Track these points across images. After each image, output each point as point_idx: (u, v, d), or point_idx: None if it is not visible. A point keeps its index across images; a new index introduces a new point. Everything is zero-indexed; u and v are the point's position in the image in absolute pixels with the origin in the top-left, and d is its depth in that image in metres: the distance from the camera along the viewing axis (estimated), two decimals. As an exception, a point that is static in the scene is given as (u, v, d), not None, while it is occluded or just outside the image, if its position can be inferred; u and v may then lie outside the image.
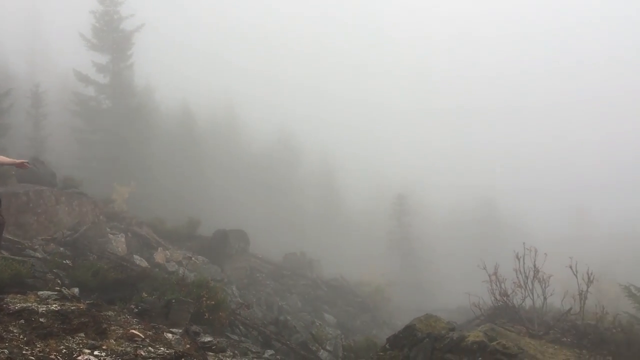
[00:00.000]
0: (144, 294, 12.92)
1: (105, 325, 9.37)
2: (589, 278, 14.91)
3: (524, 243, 15.62)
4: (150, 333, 10.07)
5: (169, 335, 10.32)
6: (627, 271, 24.45)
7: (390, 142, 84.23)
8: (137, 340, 9.14)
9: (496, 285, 15.61)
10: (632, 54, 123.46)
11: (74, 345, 8.04)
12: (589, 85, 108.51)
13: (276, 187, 51.90)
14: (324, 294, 29.15)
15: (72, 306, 10.17)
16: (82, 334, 8.64)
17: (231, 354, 11.30)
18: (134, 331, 9.56)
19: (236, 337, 14.77)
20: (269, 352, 13.64)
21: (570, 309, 14.97)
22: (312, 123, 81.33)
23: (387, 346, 11.61)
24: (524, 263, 15.51)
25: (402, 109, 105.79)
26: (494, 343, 10.94)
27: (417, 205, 51.08)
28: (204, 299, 13.67)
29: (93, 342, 8.33)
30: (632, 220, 47.38)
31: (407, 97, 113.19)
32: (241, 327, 15.90)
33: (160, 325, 11.04)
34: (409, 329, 11.46)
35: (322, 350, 16.40)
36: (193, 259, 23.46)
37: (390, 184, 56.53)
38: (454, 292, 19.08)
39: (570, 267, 14.89)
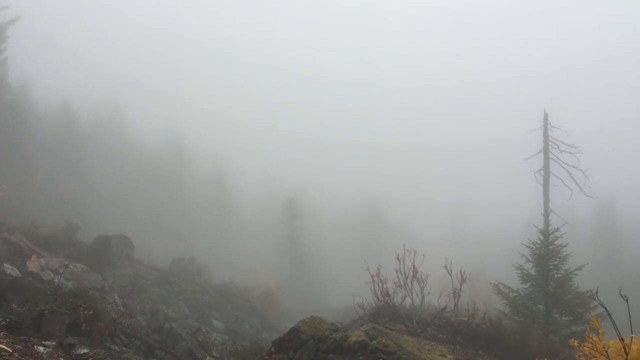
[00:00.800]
0: (14, 305, 12.09)
1: (-35, 341, 8.63)
2: (462, 277, 15.98)
3: (403, 245, 16.42)
4: (20, 347, 9.44)
5: (41, 349, 9.71)
6: (498, 272, 26.40)
7: (283, 142, 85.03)
8: (3, 355, 8.53)
9: (378, 285, 16.26)
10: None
11: None
12: (467, 94, 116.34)
13: (165, 190, 50.29)
14: (213, 299, 28.70)
15: None
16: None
17: (110, 365, 10.84)
18: (1, 345, 8.91)
19: (117, 348, 14.15)
20: (151, 362, 13.23)
21: (446, 306, 15.94)
22: (204, 123, 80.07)
23: (272, 349, 11.68)
24: (404, 264, 16.31)
25: (297, 108, 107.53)
26: (375, 342, 11.37)
27: (306, 208, 51.87)
28: (81, 309, 12.99)
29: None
30: (504, 227, 51.23)
31: (301, 97, 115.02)
32: (122, 337, 15.25)
33: (31, 338, 10.36)
34: (294, 332, 11.61)
35: (208, 357, 16.17)
36: (71, 266, 22.07)
37: (282, 185, 56.96)
38: (342, 293, 19.61)
39: (446, 267, 15.89)
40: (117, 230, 29.05)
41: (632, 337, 6.11)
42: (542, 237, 17.54)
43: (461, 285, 15.71)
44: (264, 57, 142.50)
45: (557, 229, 17.68)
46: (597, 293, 6.86)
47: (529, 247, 17.71)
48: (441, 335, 14.98)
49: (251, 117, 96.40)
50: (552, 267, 17.09)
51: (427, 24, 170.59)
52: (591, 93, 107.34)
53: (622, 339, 6.09)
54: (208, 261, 35.64)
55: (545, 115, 20.41)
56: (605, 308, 6.81)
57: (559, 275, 17.03)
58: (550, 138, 20.32)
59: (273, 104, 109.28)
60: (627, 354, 6.00)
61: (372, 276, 16.48)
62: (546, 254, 17.19)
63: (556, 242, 17.34)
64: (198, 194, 53.53)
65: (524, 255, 17.82)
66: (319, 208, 56.73)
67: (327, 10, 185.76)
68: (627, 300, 6.25)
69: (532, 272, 17.45)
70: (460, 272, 15.84)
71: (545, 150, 20.34)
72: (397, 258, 16.30)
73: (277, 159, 74.58)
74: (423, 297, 16.19)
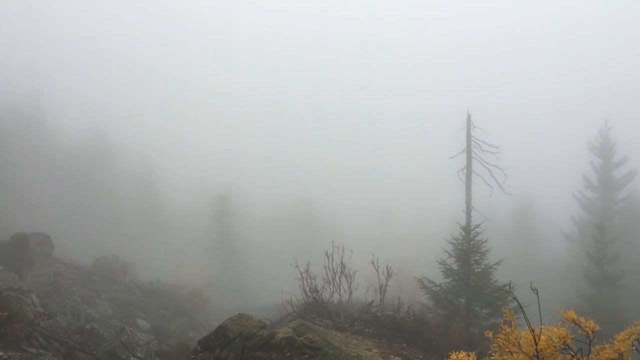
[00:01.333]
0: None
1: None
2: (388, 273, 16.39)
3: (332, 241, 16.63)
4: None
5: (-54, 355, 9.11)
6: (423, 267, 27.18)
7: (212, 141, 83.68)
8: None
9: (307, 282, 16.41)
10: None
11: None
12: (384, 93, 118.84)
13: (89, 187, 48.24)
14: (138, 298, 27.94)
15: None
16: None
17: (25, 369, 10.33)
18: None
19: (34, 350, 13.53)
20: (71, 364, 12.73)
21: (372, 301, 16.29)
22: (131, 120, 77.55)
23: (198, 348, 11.53)
24: (332, 260, 16.54)
25: (229, 102, 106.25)
26: (302, 338, 11.46)
27: (237, 205, 51.34)
28: (-6, 310, 12.32)
29: None
30: (429, 223, 52.73)
31: (236, 91, 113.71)
32: (40, 338, 14.59)
33: (-64, 344, 9.72)
34: (221, 330, 11.51)
35: (132, 358, 15.73)
36: (-16, 266, 20.87)
37: (213, 182, 56.06)
38: (272, 291, 19.60)
39: (372, 263, 16.24)
40: (37, 228, 27.69)
41: (541, 328, 6.46)
42: (464, 233, 18.19)
43: (387, 281, 16.11)
44: (182, 48, 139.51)
45: (477, 225, 18.41)
46: (510, 287, 7.22)
47: (451, 242, 18.33)
48: (368, 330, 15.30)
49: (180, 112, 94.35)
50: (473, 262, 17.78)
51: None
52: (514, 94, 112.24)
53: (532, 330, 6.44)
54: (134, 260, 34.66)
55: (469, 116, 21.18)
56: (517, 301, 7.18)
57: (479, 269, 17.74)
58: (472, 138, 21.11)
59: (205, 98, 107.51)
60: (537, 344, 6.35)
61: (301, 273, 16.60)
62: (468, 249, 17.86)
63: (477, 238, 18.04)
64: (124, 191, 51.73)
65: (447, 251, 18.43)
66: (250, 205, 56.23)
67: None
68: (537, 293, 6.61)
69: (455, 266, 18.08)
70: (387, 268, 16.25)
71: (468, 150, 21.11)
72: (326, 254, 16.51)
73: (208, 156, 73.38)
74: (351, 293, 16.47)
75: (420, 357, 13.61)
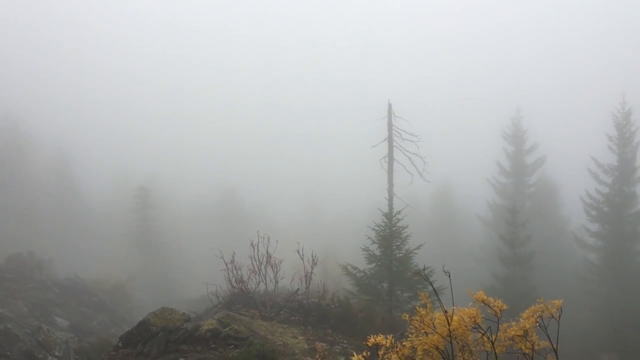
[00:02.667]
0: None
1: None
2: (313, 260, 16.64)
3: (258, 231, 16.65)
4: None
5: None
6: (348, 254, 27.72)
7: (135, 131, 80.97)
8: None
9: (233, 273, 16.36)
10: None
11: None
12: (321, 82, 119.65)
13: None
14: (56, 296, 26.77)
15: None
16: None
17: None
18: None
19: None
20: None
21: (298, 289, 16.49)
22: (45, 109, 73.54)
23: (119, 344, 11.28)
24: (258, 250, 16.57)
25: (154, 91, 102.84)
26: (227, 329, 11.48)
27: (161, 196, 49.95)
28: None
29: None
30: (353, 211, 53.58)
31: (161, 81, 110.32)
32: (-54, 343, 13.75)
33: None
34: (143, 325, 11.32)
35: (50, 357, 15.14)
36: None
37: (135, 174, 54.27)
38: (198, 283, 19.36)
39: (298, 251, 16.43)
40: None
41: (453, 309, 6.82)
42: (386, 220, 18.75)
43: (312, 268, 16.35)
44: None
45: (399, 212, 19.03)
46: (425, 271, 7.54)
47: (374, 229, 18.85)
48: (293, 318, 15.49)
49: (98, 102, 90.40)
50: (394, 247, 18.39)
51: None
52: (433, 80, 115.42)
53: (445, 312, 6.79)
54: (52, 256, 33.05)
55: (389, 106, 21.71)
56: (431, 285, 7.55)
57: (400, 254, 18.37)
58: (393, 127, 21.69)
59: (125, 88, 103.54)
60: (449, 324, 6.70)
61: (226, 264, 16.52)
62: (390, 235, 18.44)
63: (398, 224, 18.66)
64: (39, 185, 49.05)
65: (369, 237, 18.93)
66: (175, 196, 54.82)
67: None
68: (449, 276, 6.97)
69: (377, 252, 18.62)
70: (312, 256, 16.49)
71: (390, 139, 21.66)
72: (252, 245, 16.52)
73: (129, 147, 70.85)
74: (277, 282, 16.59)
75: (345, 342, 13.97)
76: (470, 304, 6.91)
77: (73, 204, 49.99)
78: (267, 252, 16.37)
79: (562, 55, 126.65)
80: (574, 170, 36.09)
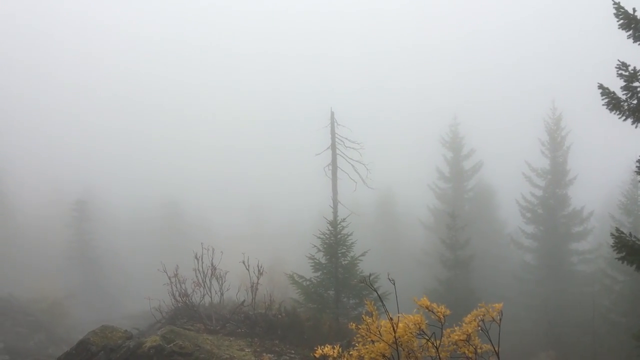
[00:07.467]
0: None
1: None
2: (259, 271, 16.49)
3: (202, 243, 16.37)
4: None
5: None
6: (294, 263, 27.63)
7: (71, 141, 77.92)
8: None
9: (176, 286, 16.00)
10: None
11: None
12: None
13: None
14: (-13, 317, 25.47)
15: None
16: None
17: None
18: None
19: None
20: None
21: (244, 301, 16.28)
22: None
23: (58, 367, 10.82)
24: (202, 262, 16.28)
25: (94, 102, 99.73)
26: (171, 345, 11.20)
27: (99, 210, 48.34)
28: None
29: None
30: (299, 220, 53.45)
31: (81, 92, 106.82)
32: None
33: None
34: (83, 344, 10.90)
35: (-19, 384, 14.31)
36: None
37: (70, 188, 52.18)
38: (141, 298, 18.78)
39: (243, 262, 16.25)
40: None
41: (398, 316, 6.92)
42: (330, 228, 18.83)
43: (258, 279, 16.20)
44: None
45: (344, 219, 19.15)
46: (370, 278, 7.61)
47: (319, 237, 18.88)
48: (240, 330, 15.28)
49: (32, 117, 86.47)
50: (340, 254, 18.48)
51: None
52: (378, 90, 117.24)
53: (391, 319, 6.88)
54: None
55: (332, 114, 21.89)
56: (377, 292, 7.62)
57: (346, 261, 18.48)
58: (337, 135, 21.86)
59: (60, 96, 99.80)
60: (395, 331, 6.79)
61: (169, 277, 16.14)
62: (335, 242, 18.52)
63: (343, 232, 18.77)
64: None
65: (315, 246, 18.94)
66: (114, 209, 53.17)
67: None
68: (394, 283, 7.07)
69: (323, 260, 18.66)
70: (258, 266, 16.34)
71: (333, 147, 21.82)
72: (195, 257, 16.22)
73: (64, 162, 68.06)
74: (222, 294, 16.35)
75: (293, 351, 13.90)
76: (415, 310, 7.03)
77: (5, 218, 47.62)
78: (211, 264, 16.12)
79: (500, 70, 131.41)
80: (510, 175, 37.41)
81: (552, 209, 31.67)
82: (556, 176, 31.85)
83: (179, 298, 15.79)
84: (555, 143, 32.10)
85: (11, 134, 71.74)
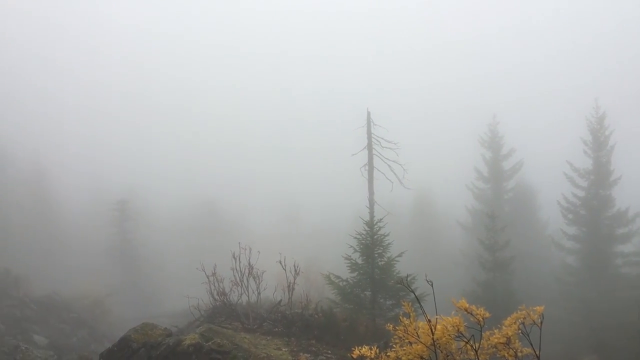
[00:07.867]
0: None
1: None
2: (296, 271, 16.58)
3: (239, 243, 16.54)
4: None
5: None
6: (331, 263, 27.65)
7: (112, 143, 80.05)
8: None
9: (214, 285, 16.22)
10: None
11: None
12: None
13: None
14: (34, 313, 26.26)
15: None
16: None
17: None
18: None
19: None
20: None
21: (281, 300, 16.39)
22: (22, 123, 72.43)
23: (100, 362, 11.10)
24: (239, 262, 16.45)
25: (131, 108, 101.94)
26: (210, 343, 11.36)
27: (140, 210, 49.39)
28: None
29: None
30: (335, 220, 53.36)
31: (134, 97, 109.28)
32: None
33: None
34: (124, 341, 11.15)
35: (28, 377, 14.82)
36: None
37: (112, 187, 53.56)
38: (180, 297, 19.13)
39: (280, 262, 16.35)
40: None
41: (437, 318, 6.85)
42: (367, 228, 18.77)
43: (295, 279, 16.29)
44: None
45: (380, 220, 19.05)
46: (407, 279, 7.56)
47: (356, 237, 18.84)
48: (277, 329, 15.38)
49: (76, 118, 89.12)
50: (376, 255, 18.39)
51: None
52: (412, 90, 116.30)
53: (429, 321, 6.81)
54: (29, 272, 32.42)
55: (368, 114, 21.84)
56: (414, 294, 7.55)
57: (382, 262, 18.38)
58: (373, 135, 21.80)
59: (103, 100, 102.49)
60: (433, 333, 6.72)
61: (207, 276, 16.38)
62: (371, 243, 18.45)
63: (380, 232, 18.68)
64: (14, 198, 48.11)
65: (351, 246, 18.91)
66: (154, 209, 54.21)
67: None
68: (432, 285, 7.00)
69: (360, 261, 18.61)
70: (294, 266, 16.43)
71: (369, 147, 21.77)
72: (233, 256, 16.40)
73: (106, 162, 69.95)
74: (259, 293, 16.48)
75: (329, 352, 13.90)
76: (453, 312, 6.94)
77: (50, 218, 49.19)
78: (249, 263, 16.26)
79: (537, 67, 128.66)
80: (551, 175, 36.57)
81: (595, 210, 30.83)
82: (599, 176, 30.97)
83: (217, 297, 15.99)
84: (599, 142, 31.22)
85: (55, 135, 74.13)
